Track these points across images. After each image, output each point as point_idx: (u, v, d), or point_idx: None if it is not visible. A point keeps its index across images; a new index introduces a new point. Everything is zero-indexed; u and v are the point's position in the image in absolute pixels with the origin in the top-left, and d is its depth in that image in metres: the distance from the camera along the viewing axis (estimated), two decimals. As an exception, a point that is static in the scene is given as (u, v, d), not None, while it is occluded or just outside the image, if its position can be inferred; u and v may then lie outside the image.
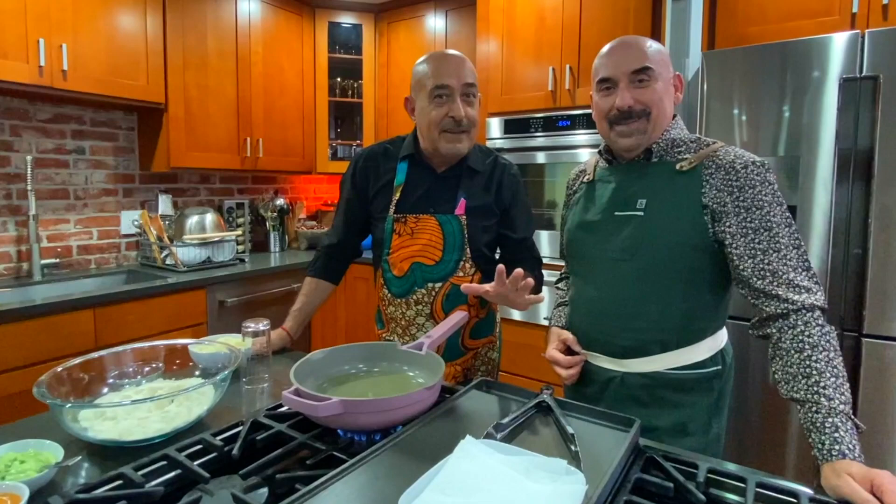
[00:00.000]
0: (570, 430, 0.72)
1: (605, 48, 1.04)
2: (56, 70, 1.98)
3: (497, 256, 1.39)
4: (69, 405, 0.81)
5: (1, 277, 2.17)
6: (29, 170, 2.09)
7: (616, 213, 1.04)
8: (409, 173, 1.30)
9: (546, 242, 2.31)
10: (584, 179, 1.16)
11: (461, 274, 1.26)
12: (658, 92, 0.98)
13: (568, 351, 1.12)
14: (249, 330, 1.06)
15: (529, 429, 0.77)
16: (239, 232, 2.70)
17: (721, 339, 1.02)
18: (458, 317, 1.16)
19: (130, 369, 0.98)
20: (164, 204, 2.65)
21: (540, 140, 2.29)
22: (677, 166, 0.98)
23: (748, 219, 0.91)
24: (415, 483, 0.58)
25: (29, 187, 2.11)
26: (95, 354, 0.96)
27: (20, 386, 1.72)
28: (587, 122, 2.15)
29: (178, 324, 2.21)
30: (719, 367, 1.00)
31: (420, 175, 1.29)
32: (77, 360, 0.92)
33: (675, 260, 0.96)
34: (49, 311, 1.81)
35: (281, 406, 0.93)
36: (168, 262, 2.45)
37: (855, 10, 1.68)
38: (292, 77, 3.01)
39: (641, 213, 1.00)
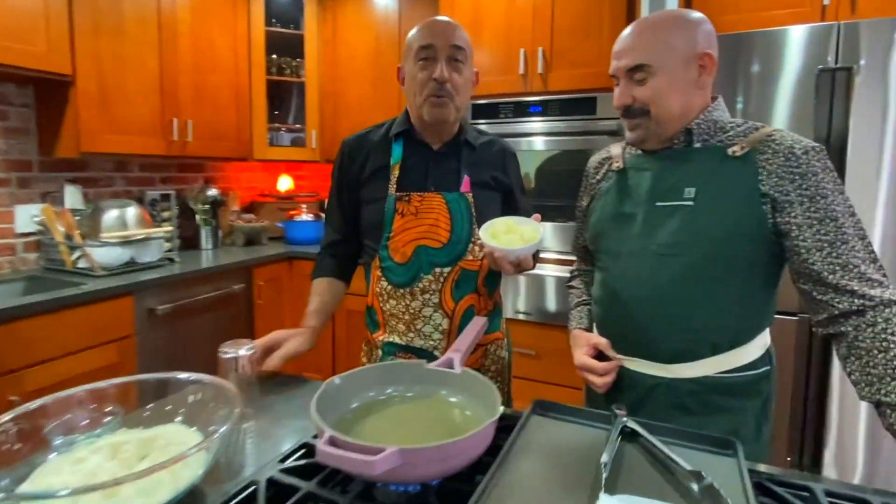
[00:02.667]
0: (686, 465, 0.60)
1: (623, 32, 0.96)
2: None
3: None
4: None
5: None
6: None
7: (658, 204, 0.94)
8: (406, 152, 1.17)
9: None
10: (613, 167, 1.04)
11: (470, 257, 1.14)
12: (658, 88, 0.90)
13: (599, 356, 1.01)
14: (228, 356, 0.84)
15: (631, 465, 0.64)
16: (169, 228, 2.33)
17: (767, 337, 0.96)
18: (479, 323, 1.02)
19: (79, 419, 0.72)
20: (72, 196, 2.23)
21: (511, 126, 2.17)
22: (729, 151, 0.90)
23: (812, 208, 0.84)
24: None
25: None
26: (30, 405, 0.70)
27: None
28: (561, 109, 2.07)
29: (100, 339, 1.86)
30: (768, 366, 0.95)
31: (417, 153, 1.18)
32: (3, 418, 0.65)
33: (730, 253, 0.88)
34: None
35: (294, 452, 0.73)
36: (81, 265, 2.06)
37: (826, 1, 1.72)
38: (225, 52, 2.65)
39: (690, 203, 0.91)
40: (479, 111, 2.23)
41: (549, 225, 2.22)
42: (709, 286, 0.90)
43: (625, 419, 0.71)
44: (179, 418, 0.75)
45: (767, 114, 1.71)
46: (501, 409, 0.69)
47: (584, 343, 1.04)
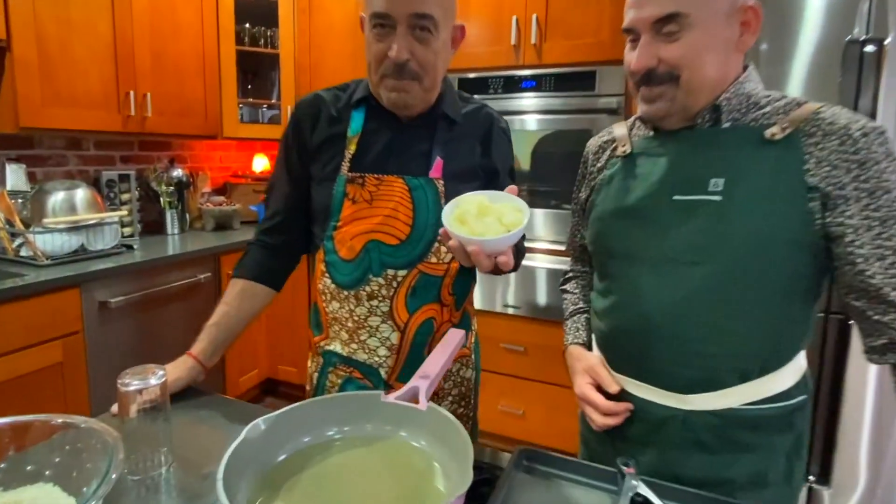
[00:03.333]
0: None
1: None
2: None
3: None
4: None
5: None
6: None
7: (677, 198, 0.75)
8: (367, 122, 0.95)
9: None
10: (619, 152, 0.85)
11: (434, 260, 0.92)
12: (693, 46, 0.71)
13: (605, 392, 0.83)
14: (132, 388, 0.65)
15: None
16: (124, 212, 2.12)
17: (804, 358, 0.79)
18: (454, 338, 0.83)
19: None
20: (15, 176, 2.00)
21: (501, 103, 1.97)
22: (767, 133, 0.71)
23: (872, 206, 0.66)
24: None
25: None
26: None
27: None
28: (557, 83, 1.87)
29: (42, 336, 1.66)
30: (804, 395, 0.78)
31: (380, 125, 0.94)
32: None
33: (766, 261, 0.70)
34: None
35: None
36: (24, 253, 1.85)
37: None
38: (189, 17, 2.41)
39: (718, 198, 0.72)
40: (466, 85, 2.03)
41: (540, 212, 2.04)
42: (738, 302, 0.72)
43: (635, 482, 0.54)
44: (47, 475, 0.57)
45: (795, 87, 1.53)
46: (470, 477, 0.51)
47: (587, 369, 0.86)
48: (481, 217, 0.72)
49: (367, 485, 0.59)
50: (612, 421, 0.79)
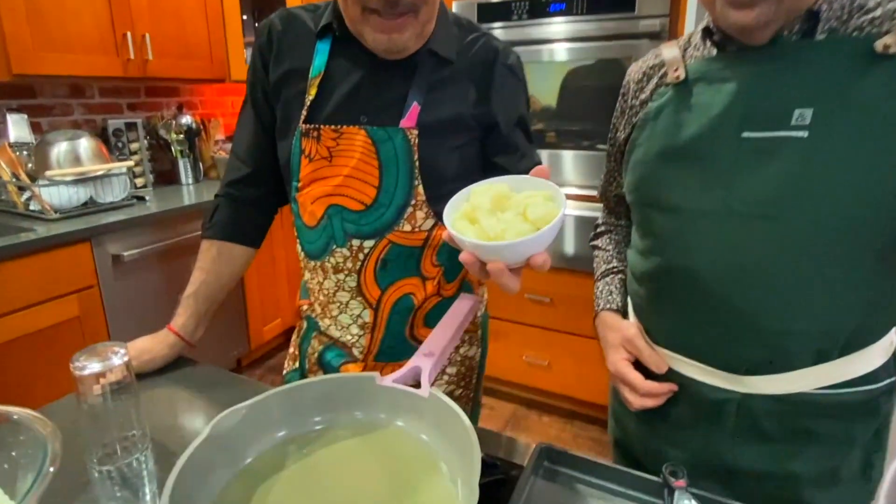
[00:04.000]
0: None
1: None
2: None
3: None
4: None
5: None
6: None
7: (746, 135, 0.58)
8: (332, 58, 0.76)
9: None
10: (669, 79, 0.67)
11: (408, 228, 0.75)
12: None
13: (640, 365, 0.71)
14: (87, 372, 0.56)
15: None
16: (130, 163, 2.04)
17: (894, 336, 0.64)
18: (464, 307, 0.71)
19: None
20: (18, 127, 1.92)
21: (526, 31, 1.74)
22: (878, 45, 0.52)
23: None
24: None
25: None
26: None
27: None
28: (590, 5, 1.63)
29: (57, 291, 1.64)
30: (893, 378, 0.64)
31: (349, 61, 0.75)
32: None
33: (868, 219, 0.54)
34: None
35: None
36: (32, 207, 1.80)
37: None
38: (184, -53, 2.21)
39: (803, 134, 0.55)
40: (486, 12, 1.80)
41: (570, 154, 1.85)
42: (822, 269, 0.57)
43: (686, 497, 0.42)
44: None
45: None
46: (476, 493, 0.40)
47: (623, 342, 0.73)
48: (497, 212, 0.52)
49: (357, 484, 0.50)
50: (650, 402, 0.67)
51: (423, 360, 0.59)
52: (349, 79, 0.75)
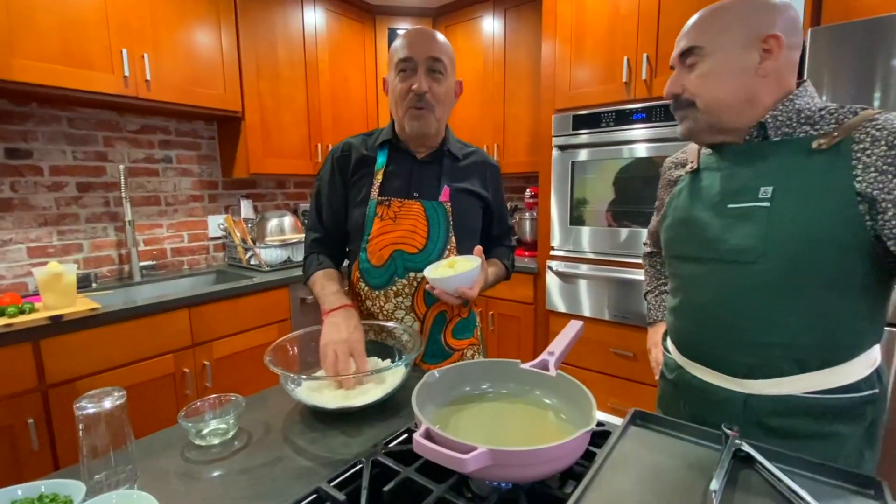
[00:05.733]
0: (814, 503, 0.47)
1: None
2: (140, 80, 1.84)
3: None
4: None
5: (105, 279, 2.09)
6: (122, 178, 1.99)
7: (730, 206, 0.77)
8: (390, 158, 1.11)
9: (609, 238, 2.03)
10: (687, 169, 0.89)
11: None
12: (706, 74, 0.74)
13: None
14: (89, 411, 0.64)
15: (745, 496, 0.53)
16: (314, 233, 2.53)
17: (877, 355, 0.75)
18: (575, 327, 0.92)
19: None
20: (246, 208, 2.52)
21: (612, 135, 2.00)
22: (813, 144, 0.70)
23: None
24: None
25: (123, 195, 2.01)
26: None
27: (125, 382, 1.61)
28: (667, 113, 1.85)
29: (265, 320, 2.07)
30: (875, 390, 0.73)
31: (401, 160, 1.11)
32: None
33: (817, 261, 0.69)
34: (150, 312, 1.69)
35: (401, 435, 0.72)
36: (252, 262, 2.32)
37: None
38: (356, 84, 2.82)
39: (766, 204, 0.73)
40: (581, 122, 2.08)
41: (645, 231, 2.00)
42: (790, 297, 0.71)
43: (738, 441, 0.59)
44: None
45: None
46: (597, 417, 0.61)
47: (651, 344, 1.00)
48: (448, 268, 0.98)
49: (512, 424, 0.71)
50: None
51: (548, 356, 0.81)
52: (403, 171, 1.09)
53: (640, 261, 1.98)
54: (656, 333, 1.03)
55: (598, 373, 2.18)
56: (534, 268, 2.34)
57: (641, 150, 1.93)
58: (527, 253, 2.64)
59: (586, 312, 2.16)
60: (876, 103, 1.40)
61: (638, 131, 1.93)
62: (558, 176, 2.17)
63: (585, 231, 2.13)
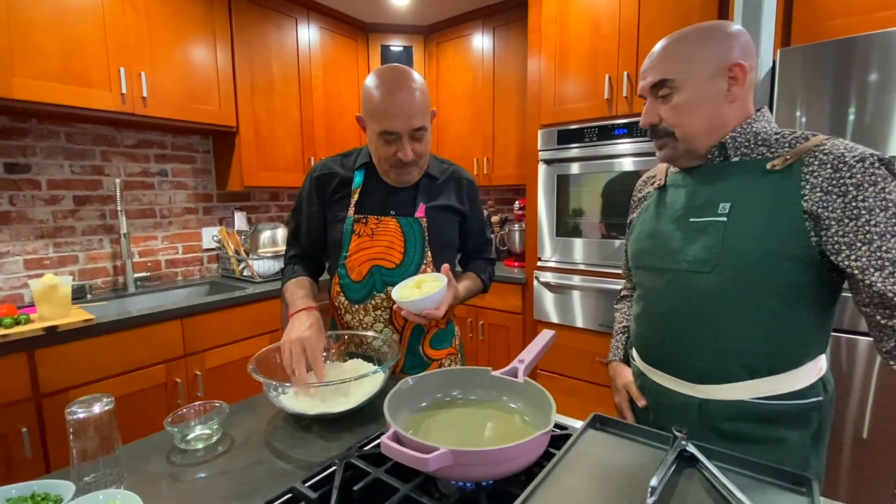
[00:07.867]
0: (745, 501, 0.52)
1: (652, 49, 0.85)
2: (137, 97, 1.91)
3: (458, 259, 1.32)
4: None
5: (100, 290, 2.13)
6: (118, 192, 2.04)
7: (691, 220, 0.83)
8: (367, 179, 1.14)
9: (596, 249, 2.08)
10: (655, 186, 0.94)
11: None
12: (682, 105, 0.78)
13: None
14: (79, 415, 0.69)
15: (683, 493, 0.57)
16: (306, 244, 2.58)
17: (822, 364, 0.79)
18: (546, 336, 0.97)
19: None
20: (240, 220, 2.57)
21: (596, 149, 2.06)
22: (768, 165, 0.76)
23: (872, 222, 0.68)
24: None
25: (119, 208, 2.06)
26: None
27: (117, 392, 1.64)
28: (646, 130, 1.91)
29: (257, 330, 2.11)
30: (820, 397, 0.78)
31: (378, 181, 1.13)
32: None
33: (767, 273, 0.74)
34: (143, 323, 1.73)
35: (376, 439, 0.76)
36: (245, 273, 2.36)
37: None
38: (350, 99, 2.89)
39: (723, 219, 0.78)
40: (565, 137, 2.15)
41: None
42: (742, 306, 0.76)
43: (684, 442, 0.64)
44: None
45: (885, 128, 1.41)
46: (555, 419, 0.65)
47: (624, 385, 0.99)
48: (415, 289, 1.01)
49: (480, 427, 0.75)
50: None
51: (518, 363, 0.85)
52: (379, 189, 1.12)
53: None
54: (624, 372, 1.00)
55: (585, 382, 2.22)
56: (521, 278, 2.39)
57: (625, 164, 1.99)
58: (516, 263, 2.69)
59: (573, 322, 2.21)
60: (851, 118, 1.46)
61: (621, 146, 1.99)
62: (545, 189, 2.23)
63: (573, 242, 2.19)
